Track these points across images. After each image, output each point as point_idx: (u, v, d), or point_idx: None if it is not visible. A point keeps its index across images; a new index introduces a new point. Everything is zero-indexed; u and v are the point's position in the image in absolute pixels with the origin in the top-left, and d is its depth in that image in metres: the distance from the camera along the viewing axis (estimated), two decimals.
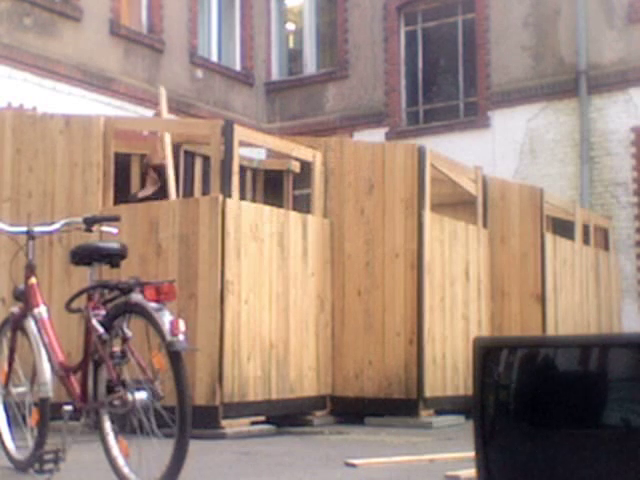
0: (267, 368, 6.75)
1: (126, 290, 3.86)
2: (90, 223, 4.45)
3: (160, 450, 3.61)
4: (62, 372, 4.16)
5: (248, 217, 6.66)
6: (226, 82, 14.92)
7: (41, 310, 4.41)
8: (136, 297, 3.79)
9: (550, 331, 8.85)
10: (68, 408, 3.97)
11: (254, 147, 7.85)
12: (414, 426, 7.04)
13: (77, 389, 4.06)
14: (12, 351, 4.56)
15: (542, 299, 8.85)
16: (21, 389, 4.57)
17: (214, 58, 14.97)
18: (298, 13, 16.21)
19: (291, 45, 16.57)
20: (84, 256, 4.19)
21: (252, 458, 5.28)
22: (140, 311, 3.76)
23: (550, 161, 13.06)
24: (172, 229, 6.55)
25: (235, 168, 6.55)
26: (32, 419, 4.39)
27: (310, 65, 15.70)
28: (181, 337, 3.61)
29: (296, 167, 8.49)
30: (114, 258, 4.18)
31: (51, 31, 11.89)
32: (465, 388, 7.76)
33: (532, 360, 2.48)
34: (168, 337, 3.60)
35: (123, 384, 3.78)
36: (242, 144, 6.85)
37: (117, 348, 3.89)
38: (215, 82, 14.68)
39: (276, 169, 8.71)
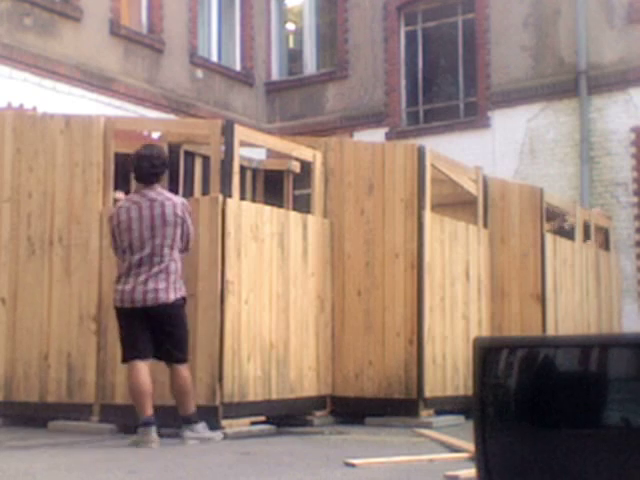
0: (267, 368, 6.75)
1: None
2: None
3: None
4: None
5: (248, 217, 6.66)
6: (226, 82, 14.91)
7: None
8: None
9: (550, 331, 8.84)
10: None
11: (254, 147, 7.84)
12: (414, 426, 7.03)
13: None
14: None
15: (542, 299, 8.84)
16: None
17: (214, 58, 14.97)
18: (298, 13, 16.21)
19: (291, 45, 16.58)
20: None
21: (252, 458, 5.28)
22: None
23: (550, 161, 13.05)
24: None
25: (235, 168, 6.54)
26: None
27: (310, 65, 15.70)
28: None
29: (296, 167, 8.48)
30: None
31: (51, 31, 11.89)
32: (465, 388, 7.75)
33: (532, 360, 2.48)
34: None
35: None
36: (242, 144, 6.85)
37: None
38: (215, 82, 14.67)
39: (276, 169, 8.71)
